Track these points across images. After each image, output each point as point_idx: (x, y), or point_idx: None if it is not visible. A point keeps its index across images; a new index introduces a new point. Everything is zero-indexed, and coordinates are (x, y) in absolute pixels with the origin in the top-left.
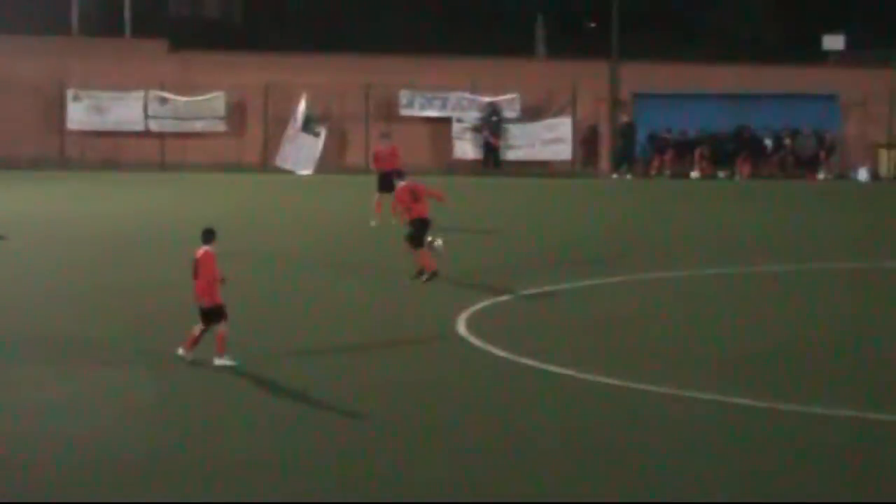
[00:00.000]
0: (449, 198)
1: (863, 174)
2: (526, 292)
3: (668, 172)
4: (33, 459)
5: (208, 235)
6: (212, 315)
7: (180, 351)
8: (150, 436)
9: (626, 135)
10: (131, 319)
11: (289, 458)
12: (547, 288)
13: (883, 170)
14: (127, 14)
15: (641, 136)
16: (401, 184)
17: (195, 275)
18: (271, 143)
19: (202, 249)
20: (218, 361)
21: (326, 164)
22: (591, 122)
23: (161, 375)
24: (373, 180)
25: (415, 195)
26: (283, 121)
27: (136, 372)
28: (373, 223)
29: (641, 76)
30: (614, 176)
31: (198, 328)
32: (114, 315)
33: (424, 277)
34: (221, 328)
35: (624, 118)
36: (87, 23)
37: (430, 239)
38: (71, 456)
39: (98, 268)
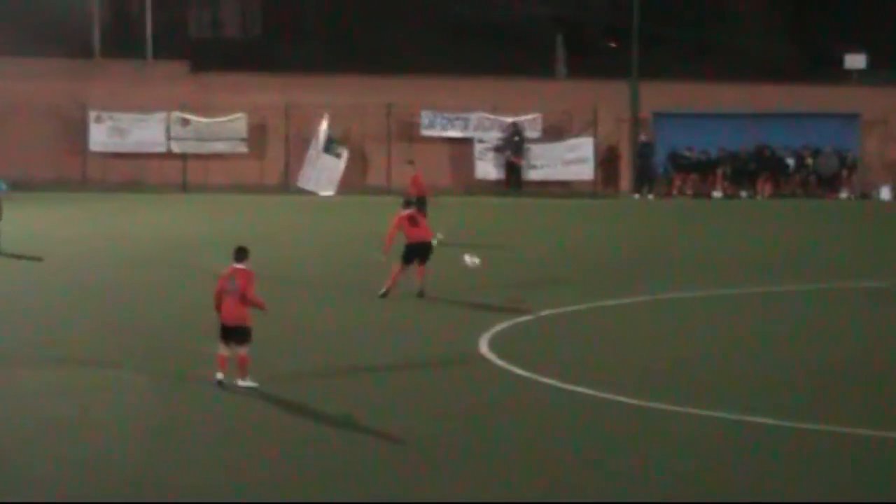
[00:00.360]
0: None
1: (885, 193)
2: (548, 312)
3: (689, 192)
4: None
5: (241, 254)
6: (238, 335)
7: (219, 375)
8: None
9: (644, 154)
10: (148, 335)
11: (308, 477)
12: (569, 308)
13: None
14: (148, 36)
15: (661, 155)
16: (402, 212)
17: (229, 292)
18: (293, 164)
19: (238, 267)
20: (242, 383)
21: (348, 184)
22: (612, 141)
23: (187, 395)
24: (395, 200)
25: (414, 222)
26: (304, 142)
27: (160, 389)
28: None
29: (662, 95)
30: (636, 196)
31: (223, 347)
32: (130, 332)
33: (381, 292)
34: (244, 351)
35: (642, 137)
36: (108, 45)
37: (466, 256)
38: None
39: (124, 288)
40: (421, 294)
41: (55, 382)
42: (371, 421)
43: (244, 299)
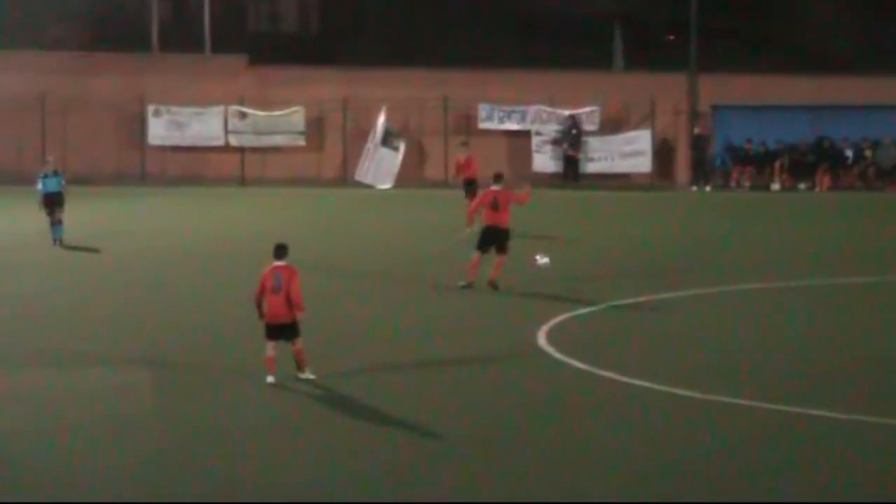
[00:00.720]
0: (530, 197)
1: None
2: (606, 305)
3: (747, 185)
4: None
5: (281, 251)
6: (288, 331)
7: (270, 378)
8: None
9: (699, 147)
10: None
11: (366, 474)
12: (627, 300)
13: None
14: (206, 30)
15: (719, 147)
16: (493, 187)
17: (273, 290)
18: (350, 158)
19: (279, 264)
20: (302, 375)
21: (406, 178)
22: (670, 134)
23: (243, 393)
24: (452, 194)
25: (496, 203)
26: (362, 135)
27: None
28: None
29: (720, 88)
30: (693, 188)
31: (271, 347)
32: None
33: (461, 284)
34: (299, 344)
35: (696, 130)
36: (166, 39)
37: (537, 257)
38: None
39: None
40: (494, 286)
41: (124, 381)
42: (425, 417)
43: (288, 296)
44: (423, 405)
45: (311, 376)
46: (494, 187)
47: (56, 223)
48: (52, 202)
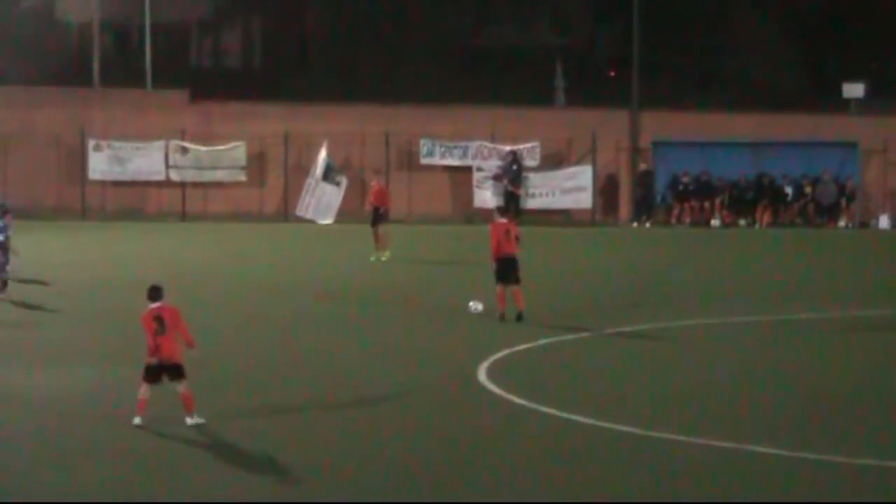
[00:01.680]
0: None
1: (884, 222)
2: (546, 340)
3: (687, 221)
4: None
5: (156, 293)
6: (173, 371)
7: (137, 420)
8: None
9: (644, 183)
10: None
11: None
12: (569, 336)
13: None
14: (148, 64)
15: (661, 183)
16: (500, 220)
17: (158, 332)
18: (292, 193)
19: (155, 306)
20: (191, 421)
21: (347, 213)
22: (612, 170)
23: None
24: (393, 229)
25: (508, 233)
26: (303, 169)
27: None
28: (372, 258)
29: (662, 124)
30: (634, 224)
31: (145, 389)
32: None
33: (499, 315)
34: (185, 388)
35: (642, 166)
36: (108, 73)
37: (471, 303)
38: None
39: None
40: (519, 317)
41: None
42: (359, 448)
43: (172, 336)
44: (364, 438)
45: (201, 421)
46: (501, 220)
47: None
48: None
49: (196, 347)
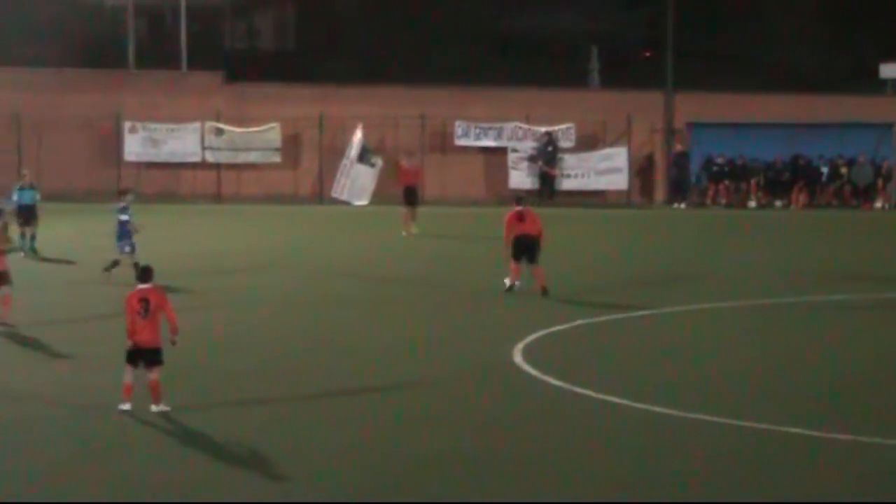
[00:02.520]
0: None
1: None
2: (582, 321)
3: (723, 202)
4: None
5: (146, 274)
6: (152, 356)
7: (126, 406)
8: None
9: (679, 165)
10: None
11: (343, 493)
12: (604, 317)
13: None
14: (183, 46)
15: (695, 165)
16: (515, 207)
17: (141, 314)
18: (326, 175)
19: (144, 287)
20: (155, 408)
21: (382, 194)
22: (647, 151)
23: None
24: (427, 210)
25: (521, 216)
26: (337, 152)
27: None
28: (403, 233)
29: (696, 106)
30: (673, 206)
31: (129, 373)
32: None
33: (507, 287)
34: (157, 375)
35: (678, 147)
36: (142, 56)
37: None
38: None
39: None
40: (545, 292)
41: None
42: (400, 436)
43: (155, 320)
44: (404, 420)
45: (166, 408)
46: (518, 208)
47: (28, 237)
48: (26, 215)
49: (178, 333)
